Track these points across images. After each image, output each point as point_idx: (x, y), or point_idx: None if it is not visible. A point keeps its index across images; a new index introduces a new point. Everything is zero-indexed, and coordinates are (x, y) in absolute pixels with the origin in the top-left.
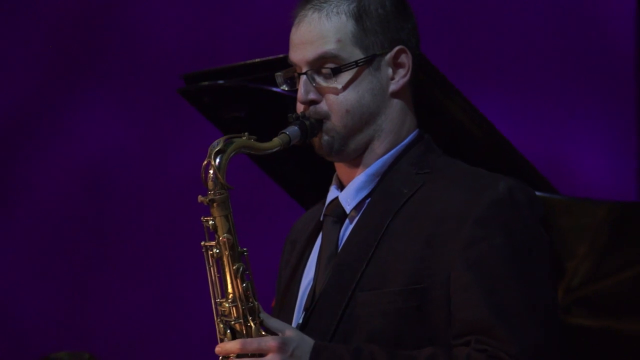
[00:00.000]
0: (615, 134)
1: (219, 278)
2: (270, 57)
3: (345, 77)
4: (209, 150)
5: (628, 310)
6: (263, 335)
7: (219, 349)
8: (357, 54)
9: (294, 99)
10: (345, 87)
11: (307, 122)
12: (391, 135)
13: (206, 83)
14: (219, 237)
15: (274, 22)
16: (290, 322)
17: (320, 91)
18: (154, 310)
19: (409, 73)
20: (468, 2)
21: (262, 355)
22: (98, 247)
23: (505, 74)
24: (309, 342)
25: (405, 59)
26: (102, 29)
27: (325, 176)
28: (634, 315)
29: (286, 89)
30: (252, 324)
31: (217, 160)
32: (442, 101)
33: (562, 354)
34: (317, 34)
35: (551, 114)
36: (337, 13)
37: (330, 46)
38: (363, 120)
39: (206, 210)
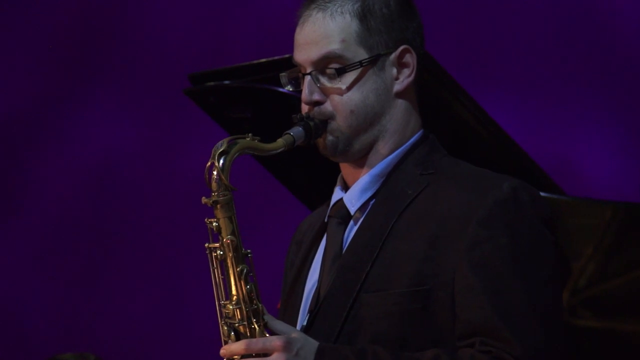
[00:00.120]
0: (621, 134)
1: (223, 280)
2: (277, 57)
3: (350, 77)
4: (212, 151)
5: (634, 311)
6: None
7: (223, 350)
8: (362, 54)
9: (300, 100)
10: (349, 88)
11: (312, 123)
12: (396, 136)
13: (212, 83)
14: (222, 239)
15: (281, 22)
16: (295, 324)
17: (325, 91)
18: (158, 312)
19: (414, 73)
20: (477, 1)
21: (266, 355)
22: (103, 248)
23: (511, 73)
24: (313, 343)
25: (410, 58)
26: (108, 30)
27: (330, 177)
28: None
29: (291, 89)
30: (256, 326)
31: (221, 162)
32: (448, 101)
33: (567, 355)
34: (321, 34)
35: (557, 113)
36: (342, 13)
37: (334, 46)
38: (367, 120)
39: (210, 212)
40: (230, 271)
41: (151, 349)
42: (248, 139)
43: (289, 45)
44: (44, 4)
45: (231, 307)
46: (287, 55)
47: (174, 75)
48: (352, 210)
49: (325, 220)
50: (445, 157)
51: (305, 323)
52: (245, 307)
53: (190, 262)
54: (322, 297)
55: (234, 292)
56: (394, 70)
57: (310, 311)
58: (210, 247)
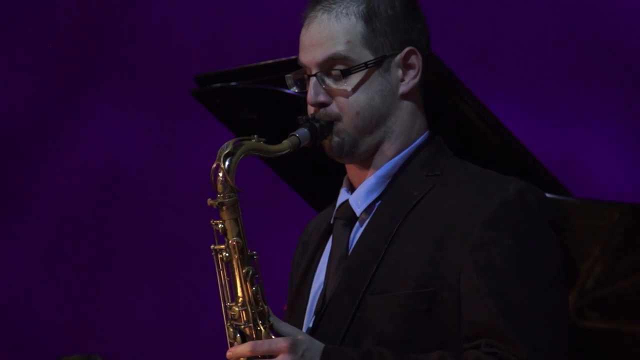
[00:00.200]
0: (628, 135)
1: (229, 282)
2: (283, 59)
3: (355, 78)
4: (218, 153)
5: None
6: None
7: (230, 353)
8: (367, 55)
9: (306, 101)
10: (355, 89)
11: (317, 124)
12: (401, 137)
13: (218, 85)
14: (228, 241)
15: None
16: (301, 326)
17: (330, 93)
18: (164, 313)
19: (419, 74)
20: (480, 1)
21: (272, 357)
22: (108, 250)
23: (517, 74)
24: (319, 345)
25: (415, 60)
26: (114, 31)
27: (336, 178)
28: None
29: (296, 90)
30: (261, 328)
31: (227, 163)
32: (454, 102)
33: (573, 356)
34: (326, 35)
35: (563, 114)
36: (347, 14)
37: (339, 47)
38: (373, 122)
39: (216, 214)
40: (236, 273)
41: (157, 350)
42: (254, 140)
43: (295, 47)
44: (48, 3)
45: (237, 309)
46: (293, 57)
47: (178, 76)
48: (358, 211)
49: (331, 221)
50: (451, 158)
51: (311, 325)
52: (251, 309)
53: (195, 264)
54: (327, 299)
55: (239, 294)
56: (400, 72)
57: (316, 313)
58: (216, 249)
